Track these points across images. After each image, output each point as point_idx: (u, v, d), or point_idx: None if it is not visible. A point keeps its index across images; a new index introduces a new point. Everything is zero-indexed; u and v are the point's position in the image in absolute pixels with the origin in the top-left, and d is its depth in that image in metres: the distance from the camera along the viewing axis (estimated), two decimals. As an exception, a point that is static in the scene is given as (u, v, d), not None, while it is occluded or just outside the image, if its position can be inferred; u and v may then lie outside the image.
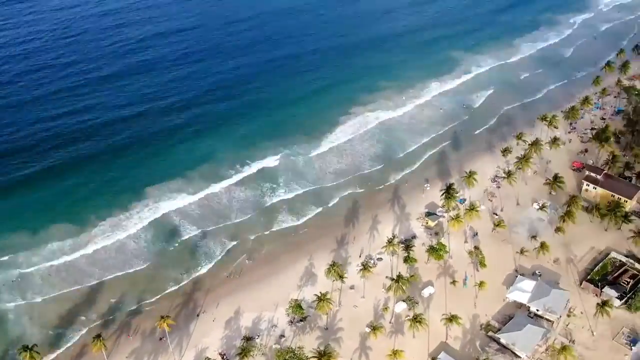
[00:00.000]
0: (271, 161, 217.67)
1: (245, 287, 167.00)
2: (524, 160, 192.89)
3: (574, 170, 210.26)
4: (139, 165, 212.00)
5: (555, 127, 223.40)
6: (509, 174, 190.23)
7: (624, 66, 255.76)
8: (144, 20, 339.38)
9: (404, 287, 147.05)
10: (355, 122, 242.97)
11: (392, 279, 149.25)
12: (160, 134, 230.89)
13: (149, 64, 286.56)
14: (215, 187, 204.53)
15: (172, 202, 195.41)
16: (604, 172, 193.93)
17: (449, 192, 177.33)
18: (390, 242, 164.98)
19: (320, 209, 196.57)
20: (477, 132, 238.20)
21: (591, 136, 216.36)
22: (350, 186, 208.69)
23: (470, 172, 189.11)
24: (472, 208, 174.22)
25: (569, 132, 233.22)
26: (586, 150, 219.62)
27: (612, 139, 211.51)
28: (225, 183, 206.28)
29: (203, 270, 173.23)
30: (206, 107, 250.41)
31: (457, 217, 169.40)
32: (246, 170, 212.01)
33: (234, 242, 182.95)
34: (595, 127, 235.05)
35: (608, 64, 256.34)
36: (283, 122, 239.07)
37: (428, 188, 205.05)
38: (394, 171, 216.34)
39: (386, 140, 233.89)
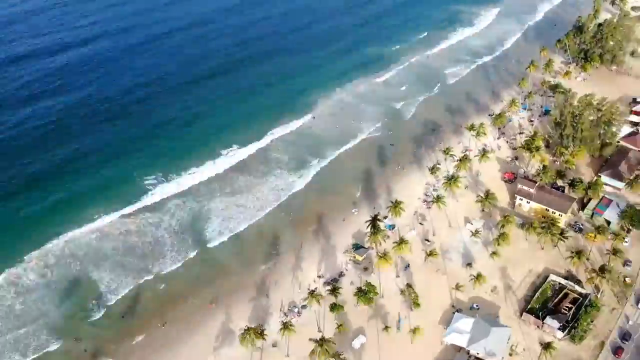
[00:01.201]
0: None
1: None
2: (452, 181, 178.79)
3: (505, 181, 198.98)
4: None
5: (484, 134, 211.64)
6: (437, 199, 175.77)
7: (548, 65, 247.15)
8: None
9: (328, 350, 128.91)
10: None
11: (316, 342, 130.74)
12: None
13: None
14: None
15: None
16: (537, 184, 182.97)
17: (374, 225, 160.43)
18: (312, 293, 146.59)
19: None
20: (404, 145, 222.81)
21: (521, 144, 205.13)
22: (270, 213, 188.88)
23: (396, 202, 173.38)
24: (401, 242, 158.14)
25: (498, 138, 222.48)
26: (516, 158, 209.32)
27: (542, 147, 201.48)
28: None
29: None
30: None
31: (384, 256, 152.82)
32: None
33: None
34: (524, 130, 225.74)
35: (532, 63, 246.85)
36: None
37: (356, 213, 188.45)
38: (318, 195, 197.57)
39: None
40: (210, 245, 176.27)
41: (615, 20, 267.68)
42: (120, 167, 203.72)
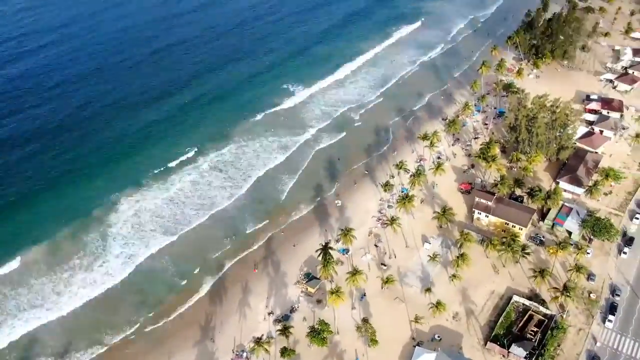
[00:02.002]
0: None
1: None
2: (407, 201, 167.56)
3: (462, 192, 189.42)
4: None
5: (438, 141, 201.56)
6: (392, 221, 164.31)
7: (500, 65, 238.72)
8: None
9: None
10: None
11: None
12: None
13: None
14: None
15: None
16: (495, 196, 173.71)
17: (325, 255, 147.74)
18: (258, 342, 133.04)
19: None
20: (354, 156, 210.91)
21: (477, 153, 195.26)
22: (214, 247, 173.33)
23: (346, 229, 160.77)
24: (354, 273, 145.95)
25: (453, 145, 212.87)
26: (472, 166, 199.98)
27: (498, 154, 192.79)
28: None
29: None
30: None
31: (337, 292, 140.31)
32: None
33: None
34: (479, 135, 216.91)
35: (484, 63, 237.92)
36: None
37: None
38: (267, 218, 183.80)
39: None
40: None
41: (564, 13, 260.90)
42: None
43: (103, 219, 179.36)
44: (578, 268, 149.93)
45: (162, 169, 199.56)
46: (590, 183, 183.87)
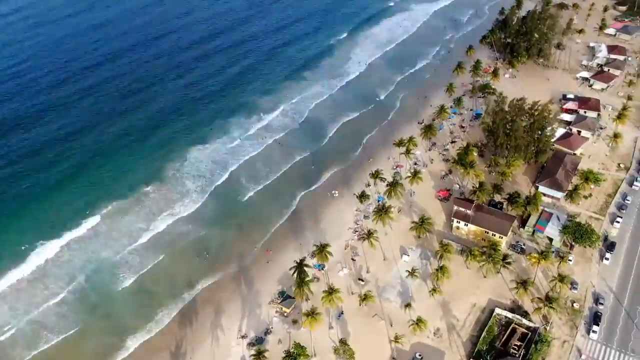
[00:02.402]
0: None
1: None
2: (384, 213, 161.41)
3: (440, 200, 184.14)
4: None
5: (414, 146, 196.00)
6: (369, 235, 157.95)
7: (476, 67, 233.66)
8: None
9: None
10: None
11: None
12: None
13: None
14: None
15: None
16: (474, 204, 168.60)
17: (300, 274, 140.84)
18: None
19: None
20: (331, 165, 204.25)
21: (454, 159, 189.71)
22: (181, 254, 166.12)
23: (321, 245, 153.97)
24: (331, 291, 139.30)
25: (429, 150, 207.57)
26: (450, 172, 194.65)
27: (476, 160, 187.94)
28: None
29: None
30: None
31: (313, 314, 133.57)
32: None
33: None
34: (456, 138, 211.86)
35: (459, 65, 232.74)
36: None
37: (272, 253, 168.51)
38: (237, 231, 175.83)
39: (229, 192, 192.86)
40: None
41: (538, 11, 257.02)
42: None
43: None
44: (561, 278, 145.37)
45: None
46: (570, 187, 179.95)
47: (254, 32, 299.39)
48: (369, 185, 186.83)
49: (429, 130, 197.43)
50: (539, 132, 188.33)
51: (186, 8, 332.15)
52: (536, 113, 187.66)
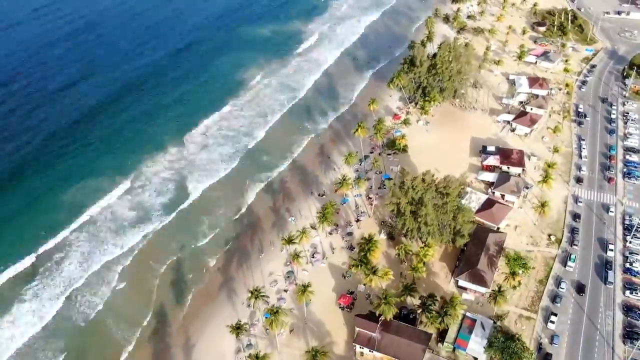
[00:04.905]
0: None
1: None
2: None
3: (342, 309, 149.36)
4: None
5: (306, 239, 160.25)
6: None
7: (379, 126, 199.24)
8: None
9: None
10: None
11: None
12: None
13: None
14: None
15: None
16: (379, 322, 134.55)
17: None
18: None
19: None
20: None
21: (355, 262, 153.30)
22: None
23: None
24: None
25: (330, 234, 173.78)
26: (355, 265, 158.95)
27: (377, 263, 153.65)
28: None
29: None
30: None
31: None
32: None
33: None
34: (362, 215, 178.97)
35: (360, 125, 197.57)
36: None
37: None
38: None
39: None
40: None
41: (448, 49, 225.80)
42: None
43: None
44: None
45: None
46: (495, 275, 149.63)
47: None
48: (249, 305, 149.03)
49: (323, 219, 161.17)
50: (454, 214, 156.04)
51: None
52: (448, 191, 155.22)
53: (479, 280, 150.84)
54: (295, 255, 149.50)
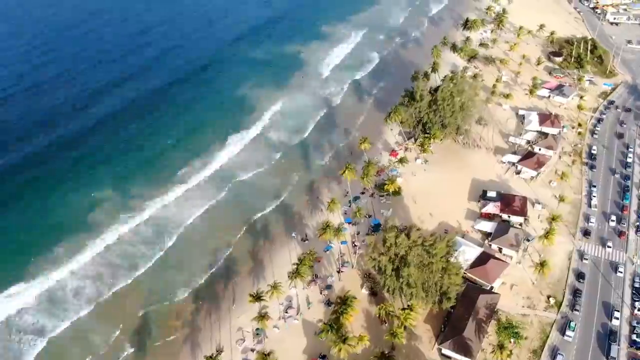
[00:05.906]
0: None
1: None
2: None
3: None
4: None
5: (279, 294, 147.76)
6: None
7: (367, 170, 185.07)
8: None
9: None
10: None
11: None
12: None
13: None
14: None
15: None
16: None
17: None
18: None
19: None
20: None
21: (326, 327, 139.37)
22: None
23: None
24: None
25: (308, 286, 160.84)
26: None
27: (350, 330, 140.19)
28: None
29: None
30: None
31: None
32: None
33: None
34: (346, 264, 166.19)
35: (347, 167, 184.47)
36: None
37: None
38: None
39: None
40: None
41: (451, 84, 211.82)
42: None
43: None
44: None
45: None
46: (484, 343, 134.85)
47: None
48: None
49: (298, 275, 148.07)
50: (441, 276, 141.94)
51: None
52: (435, 252, 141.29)
53: (465, 350, 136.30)
54: (260, 317, 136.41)
